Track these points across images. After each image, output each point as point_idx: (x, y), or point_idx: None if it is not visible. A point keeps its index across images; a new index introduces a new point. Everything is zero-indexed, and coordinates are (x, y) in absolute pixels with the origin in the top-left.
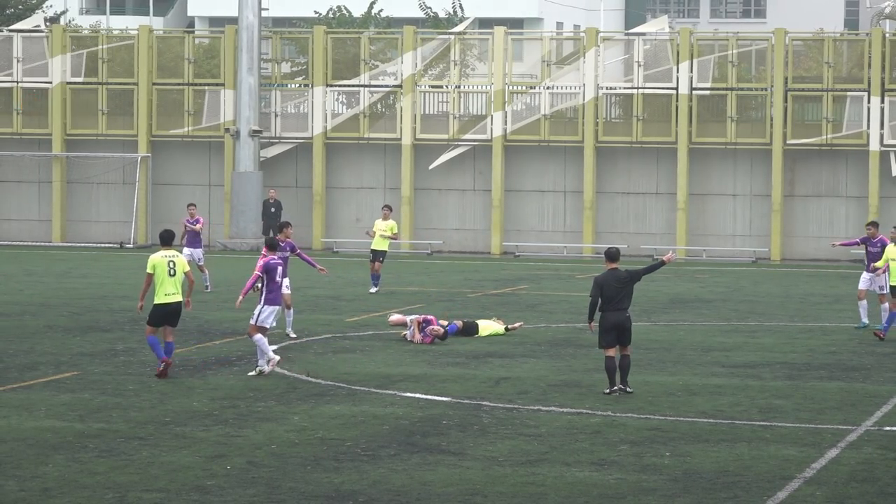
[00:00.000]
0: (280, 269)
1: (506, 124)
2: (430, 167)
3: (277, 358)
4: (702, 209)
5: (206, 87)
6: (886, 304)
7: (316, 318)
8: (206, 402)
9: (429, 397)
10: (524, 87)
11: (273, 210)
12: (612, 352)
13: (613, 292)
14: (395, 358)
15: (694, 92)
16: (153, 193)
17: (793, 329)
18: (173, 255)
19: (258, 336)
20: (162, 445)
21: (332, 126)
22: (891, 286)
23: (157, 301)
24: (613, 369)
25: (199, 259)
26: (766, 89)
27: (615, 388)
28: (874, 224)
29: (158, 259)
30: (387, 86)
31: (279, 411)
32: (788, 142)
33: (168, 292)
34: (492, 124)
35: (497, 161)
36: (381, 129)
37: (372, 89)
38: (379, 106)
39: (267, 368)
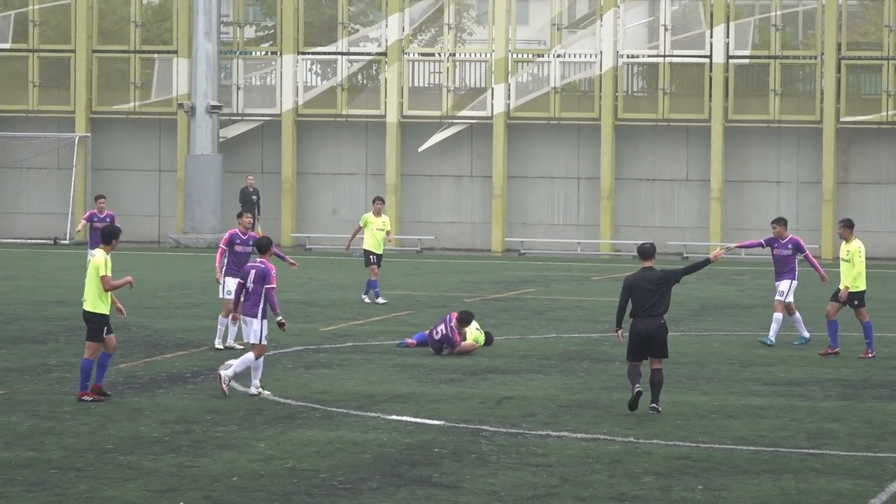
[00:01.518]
0: (255, 274)
1: (509, 99)
2: (420, 149)
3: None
4: (740, 199)
5: (156, 56)
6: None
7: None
8: (156, 427)
9: (418, 420)
10: (530, 56)
11: (255, 199)
12: (637, 362)
13: (645, 295)
14: (379, 374)
15: (730, 61)
16: (93, 180)
17: (847, 340)
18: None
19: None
20: (103, 478)
21: (305, 101)
22: (852, 293)
23: (97, 310)
24: (637, 373)
25: None
26: (815, 57)
27: (638, 386)
28: (781, 221)
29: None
30: (369, 54)
31: (242, 437)
32: (842, 119)
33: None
34: (492, 99)
35: (499, 142)
36: (361, 105)
37: (351, 58)
38: (360, 77)
39: (255, 391)
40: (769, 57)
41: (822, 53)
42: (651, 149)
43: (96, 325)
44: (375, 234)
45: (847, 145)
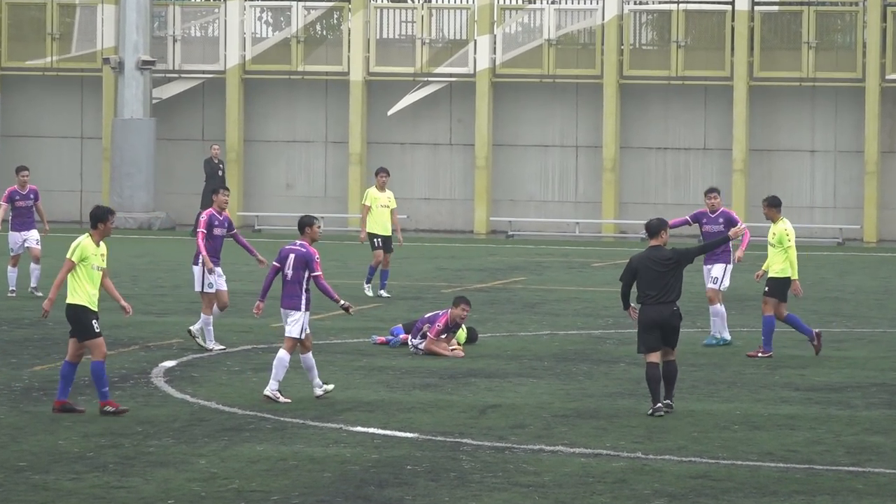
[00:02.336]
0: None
1: (494, 54)
2: (390, 113)
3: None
4: (767, 171)
5: (77, 2)
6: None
7: (230, 322)
8: (78, 441)
9: (388, 433)
10: (520, 2)
11: (221, 174)
12: (654, 357)
13: (653, 278)
14: (342, 378)
15: (756, 8)
16: (3, 148)
17: (893, 338)
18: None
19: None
20: (14, 500)
21: (254, 56)
22: (770, 278)
23: (69, 300)
24: (657, 380)
25: (35, 243)
26: (856, 4)
27: (660, 405)
28: (714, 192)
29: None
30: (329, 0)
31: (179, 453)
32: (888, 77)
33: (87, 291)
34: (475, 53)
35: (483, 104)
36: (320, 60)
37: (308, 4)
38: (318, 28)
39: (320, 391)
40: (802, 3)
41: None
42: (662, 112)
43: (86, 319)
44: (380, 212)
45: (894, 107)
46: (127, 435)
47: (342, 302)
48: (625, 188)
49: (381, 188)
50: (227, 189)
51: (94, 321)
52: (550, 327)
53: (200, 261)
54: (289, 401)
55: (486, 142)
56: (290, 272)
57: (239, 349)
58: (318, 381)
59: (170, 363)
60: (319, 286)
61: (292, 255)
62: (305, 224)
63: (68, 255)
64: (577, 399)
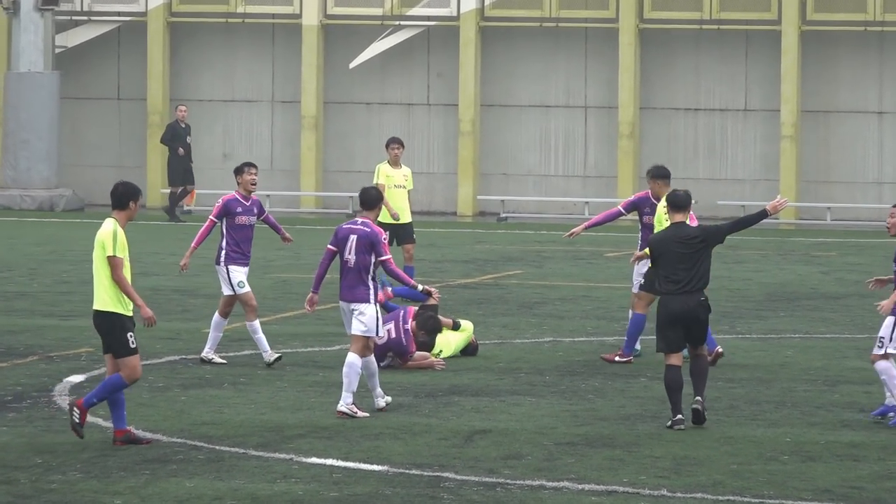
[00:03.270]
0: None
1: None
2: (353, 65)
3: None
4: (824, 138)
5: None
6: (640, 313)
7: (155, 326)
8: None
9: (350, 465)
10: None
11: (189, 140)
12: (676, 359)
13: (675, 262)
14: (292, 396)
15: None
16: None
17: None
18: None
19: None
20: None
21: None
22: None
23: (108, 307)
24: (678, 387)
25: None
26: None
27: (681, 417)
28: (662, 173)
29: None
30: None
31: (88, 490)
32: None
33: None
34: None
35: (468, 55)
36: (265, 0)
37: None
38: None
39: (382, 403)
40: None
41: None
42: (693, 64)
43: (118, 330)
44: (394, 194)
45: None
46: (23, 468)
47: (421, 287)
48: (646, 159)
49: (396, 163)
50: (254, 165)
51: (130, 334)
52: (553, 333)
53: (223, 259)
54: (367, 415)
55: (473, 101)
56: (352, 257)
57: (163, 360)
58: (380, 389)
59: (77, 378)
60: (391, 272)
61: (354, 237)
62: (374, 199)
63: (111, 252)
64: (586, 423)
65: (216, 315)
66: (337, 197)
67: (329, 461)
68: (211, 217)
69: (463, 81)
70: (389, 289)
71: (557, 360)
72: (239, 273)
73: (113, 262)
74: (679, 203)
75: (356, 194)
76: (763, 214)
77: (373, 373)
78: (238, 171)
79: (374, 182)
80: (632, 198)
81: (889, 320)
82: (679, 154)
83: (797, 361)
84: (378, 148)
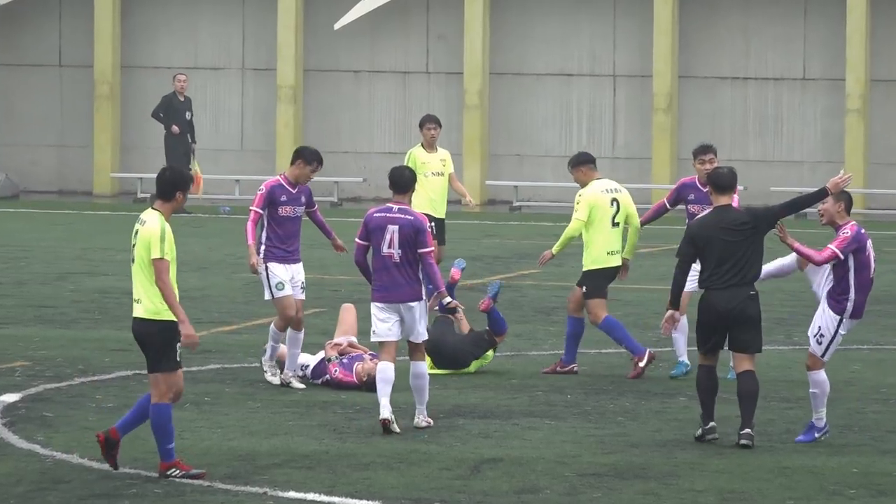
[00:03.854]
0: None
1: None
2: (337, 26)
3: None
4: None
5: None
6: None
7: (101, 334)
8: None
9: (335, 500)
10: None
11: (189, 117)
12: (710, 359)
13: (721, 250)
14: (266, 419)
15: None
16: None
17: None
18: (143, 220)
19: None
20: None
21: None
22: (589, 270)
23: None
24: (712, 388)
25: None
26: None
27: (712, 425)
28: (711, 151)
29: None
30: None
31: None
32: None
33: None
34: None
35: (475, 14)
36: None
37: None
38: None
39: (424, 423)
40: None
41: None
42: (741, 24)
43: (168, 341)
44: (431, 183)
45: None
46: None
47: (448, 298)
48: (685, 137)
49: (432, 146)
50: (318, 156)
51: (178, 345)
52: None
53: (262, 255)
54: (430, 423)
55: (480, 69)
56: (396, 251)
57: (113, 376)
58: (424, 407)
59: (11, 397)
60: (428, 267)
61: (394, 228)
62: (408, 181)
63: (159, 255)
64: (615, 450)
65: (287, 330)
66: (320, 182)
67: (310, 495)
68: (255, 207)
69: (468, 45)
70: (486, 300)
71: (581, 375)
72: (280, 271)
73: (159, 266)
74: (722, 183)
75: (343, 179)
76: (822, 193)
77: (422, 387)
78: (300, 158)
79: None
80: (676, 185)
81: (827, 313)
82: (725, 131)
83: (866, 377)
84: (368, 123)
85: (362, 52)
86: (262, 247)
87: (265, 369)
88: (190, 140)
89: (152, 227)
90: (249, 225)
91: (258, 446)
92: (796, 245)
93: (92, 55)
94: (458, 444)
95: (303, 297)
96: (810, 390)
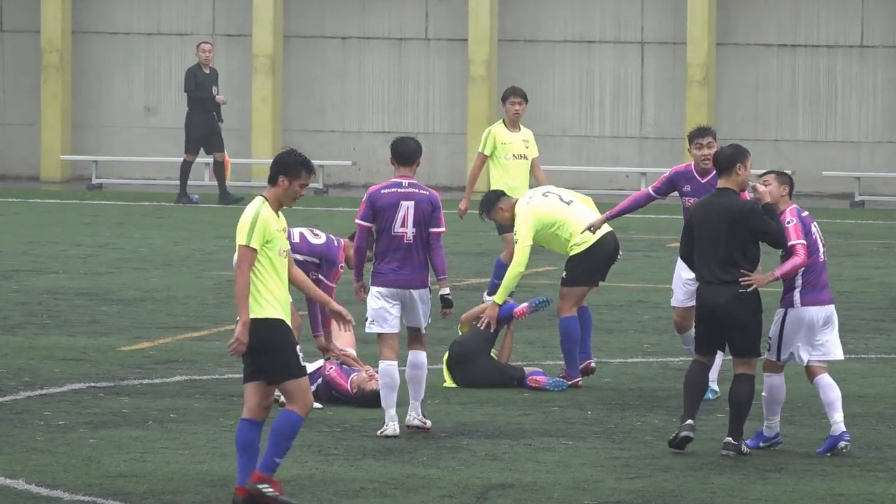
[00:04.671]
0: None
1: None
2: None
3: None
4: None
5: None
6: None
7: (50, 341)
8: None
9: None
10: None
11: (215, 92)
12: (704, 358)
13: (712, 240)
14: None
15: None
16: None
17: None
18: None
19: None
20: None
21: None
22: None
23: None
24: (696, 386)
25: None
26: None
27: (689, 423)
28: (709, 134)
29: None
30: None
31: None
32: None
33: (275, 295)
34: None
35: None
36: None
37: None
38: None
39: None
40: None
41: None
42: None
43: (287, 343)
44: (512, 166)
45: None
46: None
47: (446, 290)
48: (724, 114)
49: (515, 124)
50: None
51: (299, 346)
52: (597, 352)
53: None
54: (427, 424)
55: (488, 36)
56: (409, 230)
57: (65, 389)
58: (419, 403)
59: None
60: (436, 252)
61: (407, 205)
62: (415, 152)
63: (244, 241)
64: (642, 474)
65: None
66: None
67: None
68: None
69: (474, 8)
70: (525, 305)
71: (603, 388)
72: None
73: (241, 253)
74: (722, 162)
75: (329, 162)
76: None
77: (419, 379)
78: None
79: (481, 150)
80: (668, 173)
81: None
82: (770, 107)
83: None
84: (359, 98)
85: (351, 16)
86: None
87: None
88: (216, 118)
89: (246, 211)
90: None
91: (232, 470)
92: (778, 274)
93: (38, 18)
94: (462, 468)
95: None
96: (763, 394)
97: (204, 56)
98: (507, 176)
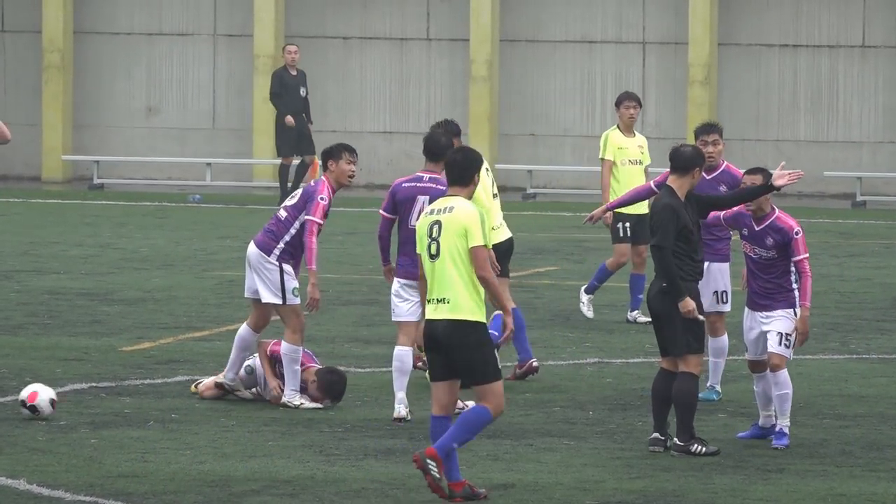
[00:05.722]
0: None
1: None
2: None
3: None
4: None
5: None
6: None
7: (51, 342)
8: None
9: None
10: None
11: (304, 94)
12: (665, 363)
13: (691, 230)
14: (244, 438)
15: None
16: None
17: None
18: (447, 207)
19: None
20: None
21: None
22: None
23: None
24: (659, 398)
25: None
26: None
27: (655, 437)
28: (713, 131)
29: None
30: None
31: None
32: None
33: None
34: None
35: None
36: None
37: None
38: None
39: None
40: None
41: None
42: None
43: (486, 346)
44: (628, 173)
45: None
46: None
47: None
48: (726, 114)
49: (630, 129)
50: (354, 152)
51: (496, 350)
52: (599, 352)
53: (278, 254)
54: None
55: (489, 36)
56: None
57: (67, 389)
58: (402, 394)
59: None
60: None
61: (425, 199)
62: (444, 147)
63: (481, 241)
64: (644, 475)
65: (248, 331)
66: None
67: None
68: (384, 211)
69: (475, 8)
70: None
71: (605, 388)
72: (293, 277)
73: (481, 255)
74: (680, 162)
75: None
76: (768, 189)
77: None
78: (331, 154)
79: (601, 157)
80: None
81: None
82: (771, 107)
83: None
84: (360, 98)
85: (352, 16)
86: (283, 245)
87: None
88: (306, 120)
89: (467, 211)
90: (310, 241)
91: (233, 470)
92: (808, 304)
93: (39, 19)
94: (464, 468)
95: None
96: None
97: (290, 58)
98: (623, 182)
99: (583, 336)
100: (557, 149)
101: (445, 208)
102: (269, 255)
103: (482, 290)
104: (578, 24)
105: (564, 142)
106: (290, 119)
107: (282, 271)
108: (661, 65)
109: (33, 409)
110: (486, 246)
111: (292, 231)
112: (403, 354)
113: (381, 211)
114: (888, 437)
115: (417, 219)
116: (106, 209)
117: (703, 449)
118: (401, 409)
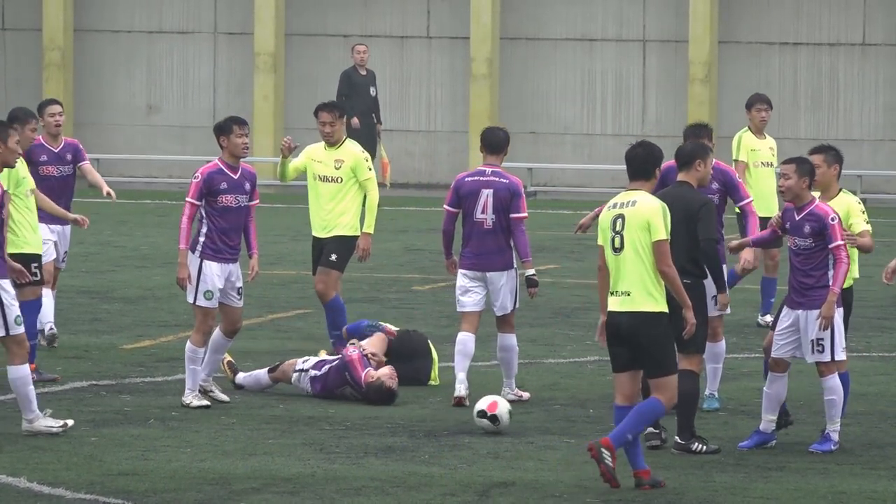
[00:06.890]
0: None
1: None
2: None
3: None
4: None
5: None
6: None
7: (59, 342)
8: None
9: None
10: None
11: (373, 93)
12: (685, 362)
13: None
14: (244, 436)
15: None
16: None
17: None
18: (630, 201)
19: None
20: None
21: None
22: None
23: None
24: (685, 400)
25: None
26: None
27: (650, 430)
28: (702, 132)
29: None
30: None
31: None
32: None
33: None
34: None
35: None
36: None
37: None
38: None
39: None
40: None
41: None
42: None
43: (665, 335)
44: (761, 175)
45: None
46: None
47: (532, 271)
48: (726, 112)
49: (760, 131)
50: (244, 123)
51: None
52: (600, 350)
53: (198, 250)
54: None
55: (490, 33)
56: (489, 217)
57: (67, 387)
58: (513, 380)
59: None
60: (520, 235)
61: (488, 192)
62: (503, 141)
63: (664, 235)
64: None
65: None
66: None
67: None
68: (189, 199)
69: (475, 6)
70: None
71: (606, 386)
72: (213, 277)
73: (663, 249)
74: (684, 157)
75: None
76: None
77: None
78: (222, 129)
79: (735, 158)
80: (663, 168)
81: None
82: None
83: None
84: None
85: (353, 14)
86: (201, 241)
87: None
88: (375, 120)
89: (650, 205)
90: (183, 223)
91: (233, 468)
92: (837, 290)
93: (40, 17)
94: (464, 466)
95: (241, 304)
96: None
97: (359, 57)
98: (758, 183)
99: (583, 334)
100: (558, 147)
101: (629, 202)
102: (193, 252)
103: (663, 282)
104: (579, 22)
105: (564, 140)
106: (355, 121)
107: (200, 269)
108: (661, 63)
109: (493, 419)
110: (667, 240)
111: (205, 222)
112: (466, 339)
113: (445, 206)
114: (888, 435)
115: (482, 212)
116: (106, 207)
117: (704, 447)
118: (461, 389)
